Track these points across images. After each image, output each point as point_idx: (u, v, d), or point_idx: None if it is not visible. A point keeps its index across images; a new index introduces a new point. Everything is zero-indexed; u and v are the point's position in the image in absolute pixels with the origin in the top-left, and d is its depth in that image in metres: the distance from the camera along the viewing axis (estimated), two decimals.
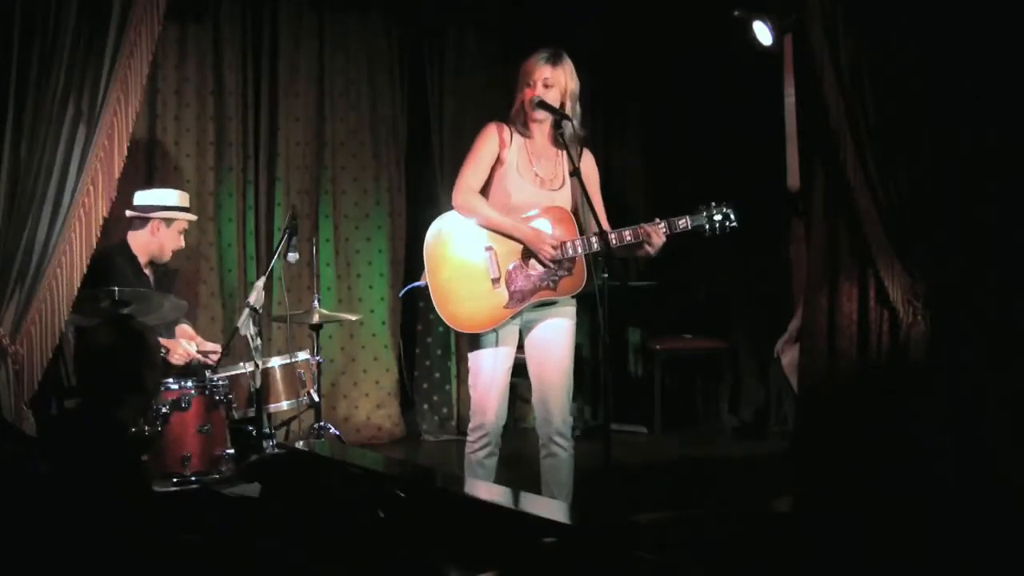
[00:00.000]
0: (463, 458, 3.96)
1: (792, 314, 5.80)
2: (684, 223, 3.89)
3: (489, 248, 3.86)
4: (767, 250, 6.83)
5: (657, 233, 3.82)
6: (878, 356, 4.66)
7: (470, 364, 3.95)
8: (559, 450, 3.91)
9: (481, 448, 3.90)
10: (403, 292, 4.58)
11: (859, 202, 4.62)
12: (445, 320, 3.86)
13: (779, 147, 6.30)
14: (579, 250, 3.81)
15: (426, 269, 3.87)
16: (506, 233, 3.86)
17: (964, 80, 4.50)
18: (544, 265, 3.84)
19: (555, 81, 3.87)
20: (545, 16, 6.52)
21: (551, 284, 3.87)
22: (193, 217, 5.20)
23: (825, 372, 4.79)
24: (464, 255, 3.87)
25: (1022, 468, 4.32)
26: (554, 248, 3.82)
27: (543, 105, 3.88)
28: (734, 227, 3.91)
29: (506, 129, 3.93)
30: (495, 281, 3.85)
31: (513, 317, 3.86)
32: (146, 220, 4.96)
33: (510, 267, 3.87)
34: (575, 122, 3.86)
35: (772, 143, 6.33)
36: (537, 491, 3.96)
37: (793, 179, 6.27)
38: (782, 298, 6.38)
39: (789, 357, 5.56)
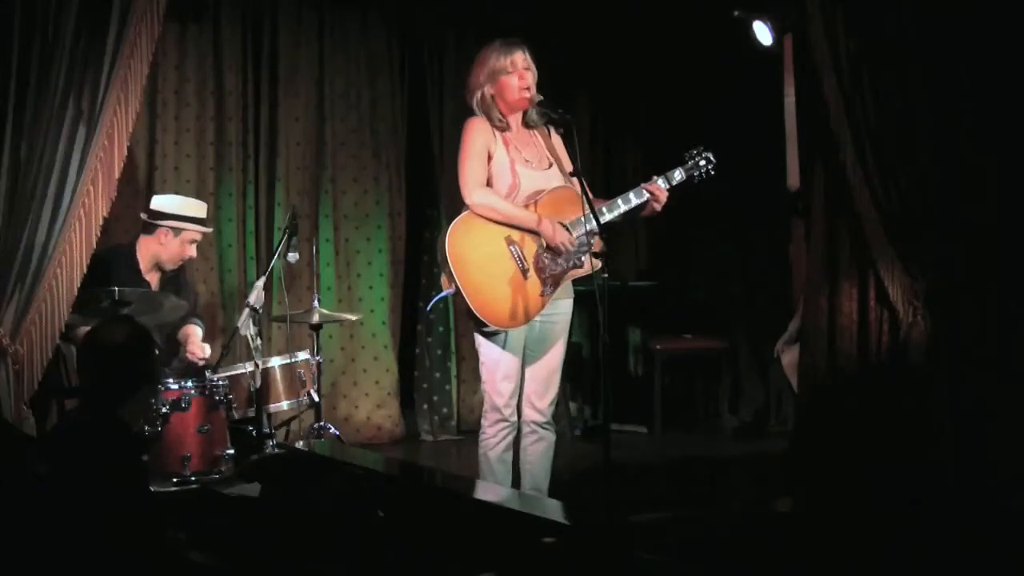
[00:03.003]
0: (463, 458, 3.97)
1: (792, 314, 5.80)
2: (679, 174, 4.03)
3: (510, 241, 3.85)
4: (767, 250, 6.83)
5: (660, 190, 3.96)
6: (878, 356, 4.66)
7: (487, 359, 3.93)
8: (548, 434, 4.01)
9: (501, 441, 3.92)
10: (431, 305, 4.54)
11: (859, 202, 4.62)
12: (489, 323, 3.80)
13: (779, 147, 6.30)
14: (594, 224, 3.79)
15: (455, 276, 3.78)
16: (525, 228, 3.86)
17: (964, 80, 4.50)
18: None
19: (529, 63, 3.91)
20: (545, 16, 6.52)
21: (578, 262, 3.90)
22: (207, 229, 5.07)
23: (825, 372, 4.79)
24: (489, 255, 3.83)
25: (1022, 468, 4.32)
26: (572, 242, 3.85)
27: (545, 106, 3.89)
28: (715, 167, 4.06)
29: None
30: (525, 272, 3.85)
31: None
32: (156, 226, 4.93)
33: (535, 254, 3.87)
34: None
35: (772, 143, 6.32)
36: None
37: (793, 179, 6.26)
38: (782, 298, 6.38)
39: (789, 357, 5.56)
